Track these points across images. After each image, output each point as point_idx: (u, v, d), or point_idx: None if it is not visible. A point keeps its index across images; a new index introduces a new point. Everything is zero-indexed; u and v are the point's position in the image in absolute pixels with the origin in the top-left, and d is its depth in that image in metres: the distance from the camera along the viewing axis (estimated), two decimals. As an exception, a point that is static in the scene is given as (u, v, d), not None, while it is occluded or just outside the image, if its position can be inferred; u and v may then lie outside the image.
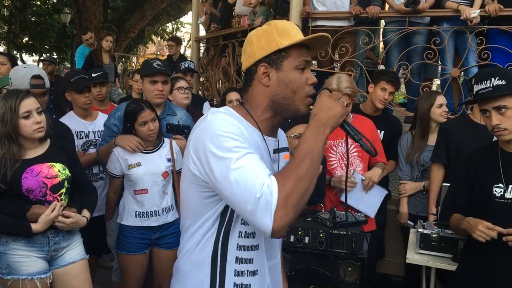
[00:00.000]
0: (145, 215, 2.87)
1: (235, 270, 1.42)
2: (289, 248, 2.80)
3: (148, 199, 2.86)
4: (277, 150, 1.52)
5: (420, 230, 2.72)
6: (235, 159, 1.23)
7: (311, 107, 1.39)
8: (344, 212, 2.97)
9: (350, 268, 2.72)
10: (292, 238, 2.80)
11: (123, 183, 2.99)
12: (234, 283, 1.42)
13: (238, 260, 1.42)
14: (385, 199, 3.38)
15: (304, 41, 1.39)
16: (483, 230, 1.98)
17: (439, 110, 3.36)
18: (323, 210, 3.03)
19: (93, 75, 3.85)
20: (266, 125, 1.44)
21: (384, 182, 3.57)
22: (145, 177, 2.84)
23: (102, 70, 4.07)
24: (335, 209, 2.88)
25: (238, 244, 1.41)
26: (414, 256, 2.69)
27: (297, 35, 1.40)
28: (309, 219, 2.96)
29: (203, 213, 1.40)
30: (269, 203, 1.17)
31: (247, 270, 1.43)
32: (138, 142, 2.83)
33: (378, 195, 3.16)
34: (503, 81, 1.93)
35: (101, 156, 3.07)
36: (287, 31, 1.39)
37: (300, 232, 2.79)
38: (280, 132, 1.59)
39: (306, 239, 2.78)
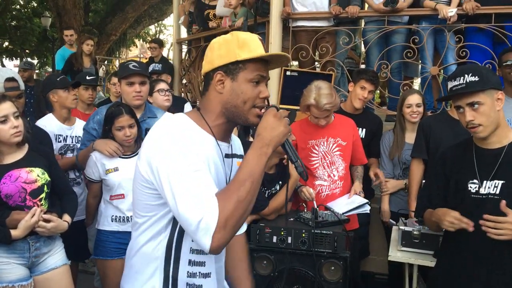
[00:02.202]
0: (121, 220, 2.84)
1: (188, 271, 1.49)
2: (272, 248, 2.81)
3: (124, 204, 2.82)
4: (230, 156, 1.57)
5: (402, 227, 2.73)
6: (183, 178, 1.30)
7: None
8: (326, 212, 2.98)
9: (333, 267, 2.74)
10: (274, 239, 2.80)
11: (103, 188, 2.95)
12: (187, 283, 1.49)
13: (191, 262, 1.49)
14: (368, 197, 3.41)
15: (262, 56, 1.44)
16: (451, 220, 2.02)
17: (408, 110, 3.41)
18: (305, 210, 3.04)
19: (88, 78, 4.00)
20: (219, 130, 1.50)
21: (367, 181, 3.60)
22: (122, 182, 2.80)
23: (95, 74, 4.13)
24: (317, 208, 2.89)
25: (191, 247, 1.48)
26: (397, 254, 2.71)
27: (257, 49, 1.45)
28: (291, 219, 2.97)
29: (156, 212, 1.45)
30: (209, 225, 1.25)
31: (199, 272, 1.51)
32: (116, 147, 2.80)
33: (358, 202, 3.15)
34: (476, 77, 1.95)
35: (80, 160, 3.03)
36: (247, 44, 1.44)
37: (282, 233, 2.79)
38: (235, 138, 1.67)
39: (289, 239, 2.79)
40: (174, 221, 1.44)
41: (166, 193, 1.33)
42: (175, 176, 1.31)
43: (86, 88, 3.96)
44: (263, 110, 1.46)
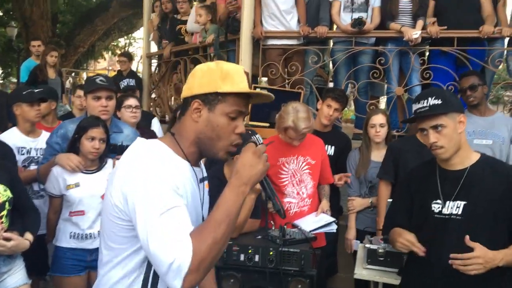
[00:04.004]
0: (80, 237, 2.77)
1: None
2: (239, 267, 2.78)
3: (84, 221, 2.77)
4: (202, 179, 1.55)
5: (368, 245, 2.76)
6: (158, 216, 1.25)
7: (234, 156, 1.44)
8: (294, 230, 2.98)
9: (299, 286, 2.72)
10: (242, 257, 2.78)
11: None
12: None
13: None
14: (336, 215, 3.43)
15: (243, 92, 1.41)
16: (403, 241, 2.08)
17: (372, 130, 3.48)
18: (273, 228, 3.03)
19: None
20: (194, 157, 1.47)
21: (335, 198, 3.64)
22: (83, 198, 2.74)
23: (60, 86, 3.99)
24: (285, 226, 2.89)
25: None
26: (362, 272, 2.73)
27: (240, 83, 1.41)
28: (259, 236, 2.95)
29: (129, 245, 1.38)
30: (181, 268, 1.21)
31: None
32: (79, 162, 2.74)
33: (325, 220, 3.17)
34: (439, 100, 2.01)
35: (41, 175, 2.95)
36: (230, 76, 1.41)
37: (250, 251, 2.77)
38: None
39: (256, 257, 2.76)
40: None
41: (139, 229, 1.28)
42: (150, 213, 1.26)
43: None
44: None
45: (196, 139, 1.44)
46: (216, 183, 2.74)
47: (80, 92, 4.64)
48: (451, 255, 1.94)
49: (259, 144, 1.40)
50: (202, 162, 1.60)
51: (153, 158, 1.35)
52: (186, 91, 1.46)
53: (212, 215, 1.29)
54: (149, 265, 1.38)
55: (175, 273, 1.21)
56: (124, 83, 4.61)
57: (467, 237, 1.93)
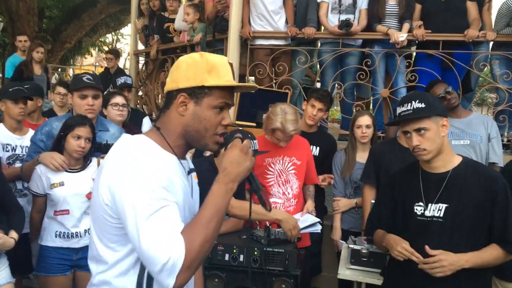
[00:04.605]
0: (65, 235, 2.76)
1: None
2: (224, 266, 2.78)
3: (69, 220, 2.75)
4: (190, 171, 1.55)
5: (351, 246, 2.79)
6: (147, 214, 1.25)
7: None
8: (279, 230, 3.00)
9: (283, 285, 2.74)
10: (227, 257, 2.78)
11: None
12: None
13: None
14: (321, 214, 3.46)
15: (230, 85, 1.42)
16: (401, 251, 2.10)
17: (358, 131, 3.51)
18: (258, 228, 3.04)
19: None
20: (181, 150, 1.47)
21: (320, 199, 3.66)
22: (67, 197, 2.72)
23: (46, 82, 3.94)
24: (270, 226, 2.91)
25: None
26: (345, 272, 2.75)
27: (226, 76, 1.41)
28: (244, 236, 2.96)
29: (124, 243, 1.36)
30: (174, 266, 1.22)
31: None
32: (63, 161, 2.72)
33: (310, 221, 3.18)
34: (423, 104, 2.04)
35: (25, 173, 2.92)
36: (216, 69, 1.41)
37: (235, 251, 2.77)
38: None
39: (241, 257, 2.77)
40: None
41: (129, 227, 1.27)
42: (139, 212, 1.25)
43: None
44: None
45: (183, 132, 1.43)
46: (207, 166, 2.76)
47: (60, 89, 4.60)
48: (419, 263, 2.02)
49: (253, 149, 1.42)
50: (188, 155, 1.60)
51: (141, 154, 1.34)
52: (171, 84, 1.44)
53: (201, 212, 1.30)
54: (143, 265, 1.37)
55: (168, 272, 1.21)
56: (121, 80, 4.54)
57: (426, 246, 2.03)
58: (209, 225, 1.27)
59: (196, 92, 1.40)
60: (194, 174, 1.59)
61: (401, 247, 2.09)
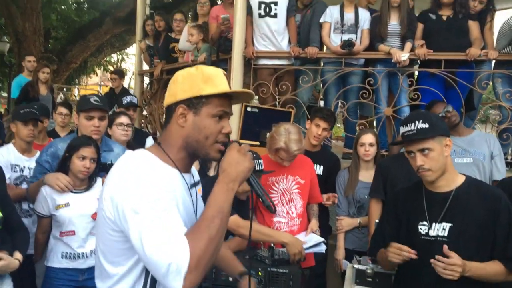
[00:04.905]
0: (72, 256, 2.75)
1: None
2: (227, 287, 2.76)
3: (75, 241, 2.75)
4: (194, 185, 1.55)
5: (356, 266, 2.77)
6: (150, 220, 1.26)
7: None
8: (283, 249, 2.98)
9: (288, 306, 2.72)
10: (230, 277, 2.77)
11: (52, 223, 2.85)
12: None
13: None
14: (326, 234, 3.44)
15: (226, 92, 1.44)
16: (393, 250, 2.10)
17: (361, 149, 3.52)
18: (262, 248, 3.03)
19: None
20: (183, 163, 1.48)
21: (324, 217, 3.65)
22: (73, 218, 2.73)
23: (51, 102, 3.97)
24: (274, 246, 2.89)
25: None
26: (351, 292, 2.72)
27: (221, 85, 1.44)
28: (247, 256, 2.95)
29: (129, 257, 1.37)
30: (180, 267, 1.22)
31: None
32: (68, 182, 2.73)
33: (314, 241, 3.17)
34: (426, 124, 2.05)
35: (30, 194, 2.94)
36: (211, 79, 1.44)
37: (239, 271, 2.76)
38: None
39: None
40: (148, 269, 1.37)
41: (132, 235, 1.28)
42: (142, 218, 1.26)
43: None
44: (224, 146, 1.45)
45: (184, 144, 1.45)
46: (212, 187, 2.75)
47: (61, 109, 4.64)
48: (436, 257, 1.97)
49: (259, 169, 1.42)
50: (194, 167, 1.60)
51: (142, 164, 1.36)
52: (169, 98, 1.48)
53: (204, 213, 1.31)
54: (146, 276, 1.38)
55: (174, 274, 1.22)
56: (127, 99, 4.55)
57: (445, 246, 1.98)
58: (212, 224, 1.28)
59: (194, 102, 1.43)
60: (198, 188, 1.60)
61: (392, 247, 2.09)
